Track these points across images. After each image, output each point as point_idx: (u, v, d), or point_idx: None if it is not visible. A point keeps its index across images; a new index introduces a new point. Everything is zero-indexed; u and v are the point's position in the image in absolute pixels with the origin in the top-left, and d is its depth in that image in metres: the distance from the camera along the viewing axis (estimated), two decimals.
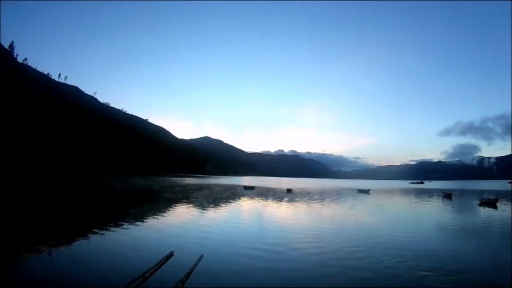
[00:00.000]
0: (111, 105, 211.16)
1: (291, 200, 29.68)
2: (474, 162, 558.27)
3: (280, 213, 20.25)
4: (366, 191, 47.29)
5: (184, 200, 25.97)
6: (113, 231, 11.88)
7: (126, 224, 13.39)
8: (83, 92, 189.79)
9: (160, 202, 25.02)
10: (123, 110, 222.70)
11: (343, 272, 7.54)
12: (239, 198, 30.63)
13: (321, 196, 37.64)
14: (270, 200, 30.06)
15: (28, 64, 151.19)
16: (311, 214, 19.79)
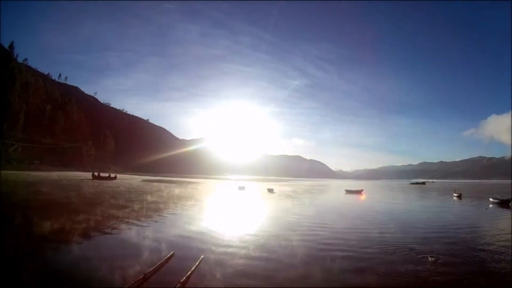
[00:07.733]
0: (111, 105, 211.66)
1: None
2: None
3: (273, 211, 20.14)
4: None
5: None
6: (112, 231, 11.80)
7: (125, 224, 13.31)
8: (83, 92, 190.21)
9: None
10: (124, 111, 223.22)
11: None
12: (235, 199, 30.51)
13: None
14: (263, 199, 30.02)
15: (28, 64, 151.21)
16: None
